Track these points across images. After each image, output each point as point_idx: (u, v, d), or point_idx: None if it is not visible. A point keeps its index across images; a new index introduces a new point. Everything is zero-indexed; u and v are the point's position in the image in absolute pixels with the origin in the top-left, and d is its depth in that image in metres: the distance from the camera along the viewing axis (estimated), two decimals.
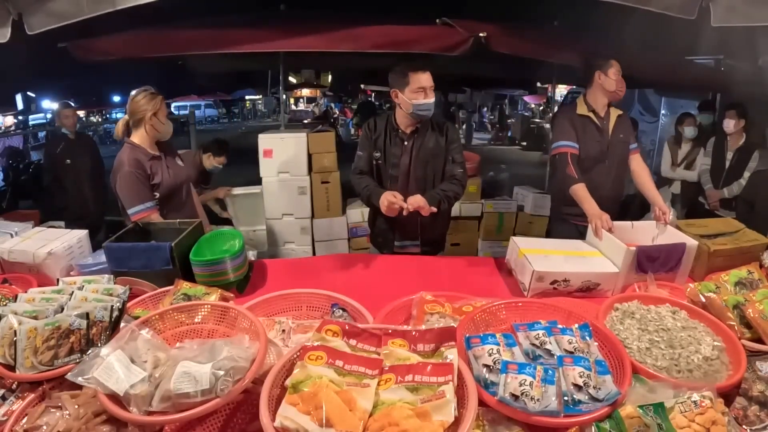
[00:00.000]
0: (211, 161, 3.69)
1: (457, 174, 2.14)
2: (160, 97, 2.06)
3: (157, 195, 2.06)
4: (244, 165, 4.27)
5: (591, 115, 2.37)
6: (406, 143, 2.15)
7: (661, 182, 4.36)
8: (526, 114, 15.22)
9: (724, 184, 3.71)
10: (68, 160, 3.91)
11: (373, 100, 10.38)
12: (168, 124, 2.12)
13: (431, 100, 2.05)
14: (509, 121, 15.32)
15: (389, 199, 1.96)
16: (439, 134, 2.16)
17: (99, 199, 4.06)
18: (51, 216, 3.55)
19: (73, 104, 4.14)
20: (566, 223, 2.47)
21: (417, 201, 1.96)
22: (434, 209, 1.97)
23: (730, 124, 3.62)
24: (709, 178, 3.83)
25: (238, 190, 3.86)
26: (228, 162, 3.80)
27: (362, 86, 10.35)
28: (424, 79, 2.02)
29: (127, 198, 1.98)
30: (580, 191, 2.17)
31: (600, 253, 1.86)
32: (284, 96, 5.23)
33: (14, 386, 1.14)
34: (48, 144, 4.98)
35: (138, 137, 2.06)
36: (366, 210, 2.70)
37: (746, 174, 3.55)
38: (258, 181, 3.83)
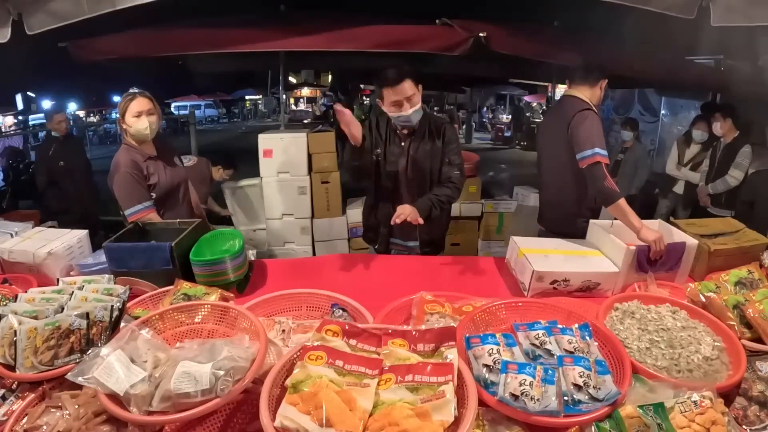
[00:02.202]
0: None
1: (453, 176, 2.11)
2: (128, 98, 2.00)
3: (154, 195, 2.06)
4: (244, 165, 4.28)
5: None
6: (403, 144, 2.15)
7: (666, 181, 4.36)
8: (526, 114, 15.19)
9: (710, 181, 3.75)
10: (61, 162, 3.91)
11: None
12: (137, 124, 2.00)
13: (408, 111, 1.98)
14: (509, 120, 15.31)
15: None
16: (436, 136, 2.14)
17: (93, 199, 4.07)
18: (51, 216, 3.55)
19: (60, 108, 4.18)
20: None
21: (404, 212, 1.88)
22: (421, 221, 1.89)
23: (716, 126, 3.70)
24: (704, 177, 3.88)
25: (237, 183, 3.89)
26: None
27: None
28: (397, 92, 1.95)
29: (123, 198, 1.98)
30: (626, 204, 1.85)
31: (600, 252, 1.86)
32: (284, 96, 5.23)
33: (14, 386, 1.14)
34: (40, 147, 4.87)
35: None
36: None
37: (733, 170, 3.57)
38: None
